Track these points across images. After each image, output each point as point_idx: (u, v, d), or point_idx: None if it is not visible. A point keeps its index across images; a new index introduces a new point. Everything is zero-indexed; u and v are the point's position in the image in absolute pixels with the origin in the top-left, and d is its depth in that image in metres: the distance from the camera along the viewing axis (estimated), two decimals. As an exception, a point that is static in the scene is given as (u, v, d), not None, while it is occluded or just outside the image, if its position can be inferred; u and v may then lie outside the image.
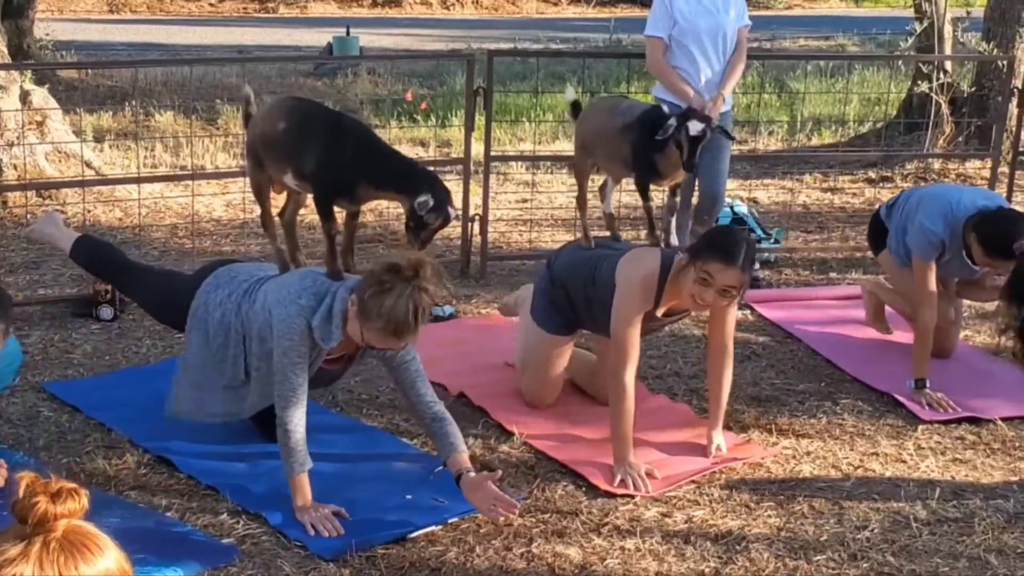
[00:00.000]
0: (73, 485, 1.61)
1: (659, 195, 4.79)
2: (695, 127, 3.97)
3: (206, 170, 7.46)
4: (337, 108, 5.31)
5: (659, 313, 3.95)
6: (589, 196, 4.73)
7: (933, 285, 4.56)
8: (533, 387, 4.36)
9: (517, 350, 4.51)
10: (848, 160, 8.40)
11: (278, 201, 4.25)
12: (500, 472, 3.52)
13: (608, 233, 4.60)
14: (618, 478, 3.77)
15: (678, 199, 4.39)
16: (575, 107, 4.78)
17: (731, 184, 7.81)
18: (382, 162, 3.75)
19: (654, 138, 4.09)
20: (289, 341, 3.45)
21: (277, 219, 4.21)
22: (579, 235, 4.56)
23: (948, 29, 8.58)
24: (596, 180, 4.93)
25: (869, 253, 5.58)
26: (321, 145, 3.74)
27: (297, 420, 3.45)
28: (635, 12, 20.68)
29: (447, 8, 20.81)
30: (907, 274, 4.76)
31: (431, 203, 3.62)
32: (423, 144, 8.82)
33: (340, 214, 3.88)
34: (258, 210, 4.20)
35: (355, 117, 4.09)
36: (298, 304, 3.47)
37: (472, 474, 3.48)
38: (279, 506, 3.50)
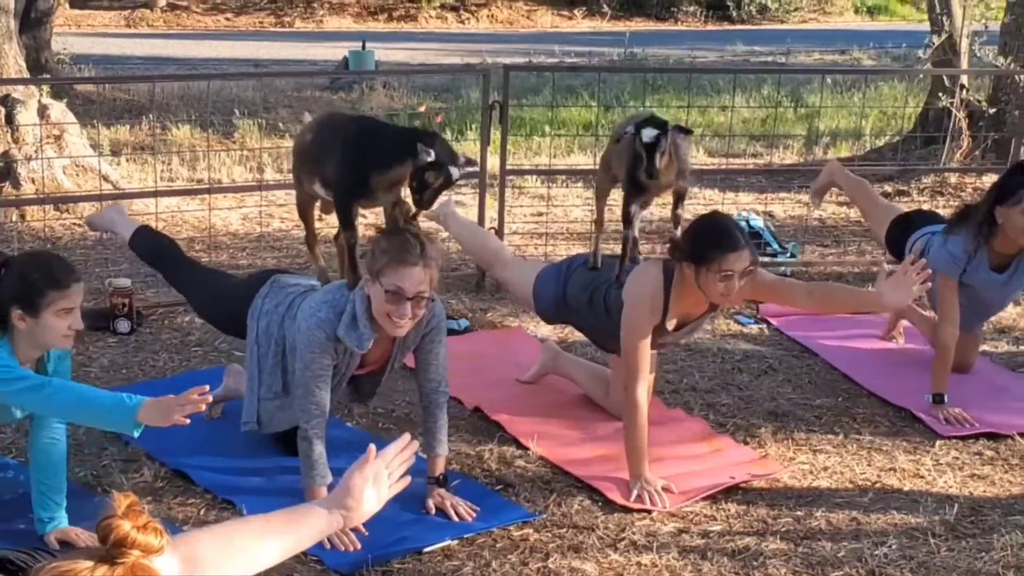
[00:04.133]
0: (161, 527, 1.64)
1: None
2: (648, 134, 3.90)
3: (223, 184, 7.49)
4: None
5: (669, 326, 3.94)
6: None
7: (956, 302, 4.54)
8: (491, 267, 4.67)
9: (465, 238, 4.76)
10: (864, 174, 8.30)
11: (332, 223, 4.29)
12: (444, 489, 3.68)
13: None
14: (634, 493, 3.76)
15: (680, 212, 4.36)
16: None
17: (747, 198, 7.82)
18: (381, 142, 3.73)
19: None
20: (311, 354, 3.47)
21: (333, 241, 4.26)
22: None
23: (965, 43, 8.55)
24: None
25: (887, 266, 5.54)
26: (338, 149, 3.78)
27: (320, 433, 3.47)
28: (650, 26, 20.71)
29: (462, 22, 20.85)
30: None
31: (431, 155, 3.55)
32: (438, 158, 8.81)
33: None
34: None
35: (370, 116, 4.11)
36: (317, 317, 3.48)
37: (428, 485, 3.67)
38: (295, 520, 3.50)
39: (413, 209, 3.69)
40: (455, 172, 3.63)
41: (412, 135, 3.77)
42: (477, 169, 4.58)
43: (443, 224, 4.82)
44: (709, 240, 3.75)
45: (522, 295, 4.52)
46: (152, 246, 4.41)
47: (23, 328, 3.20)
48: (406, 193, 3.78)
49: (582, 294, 4.19)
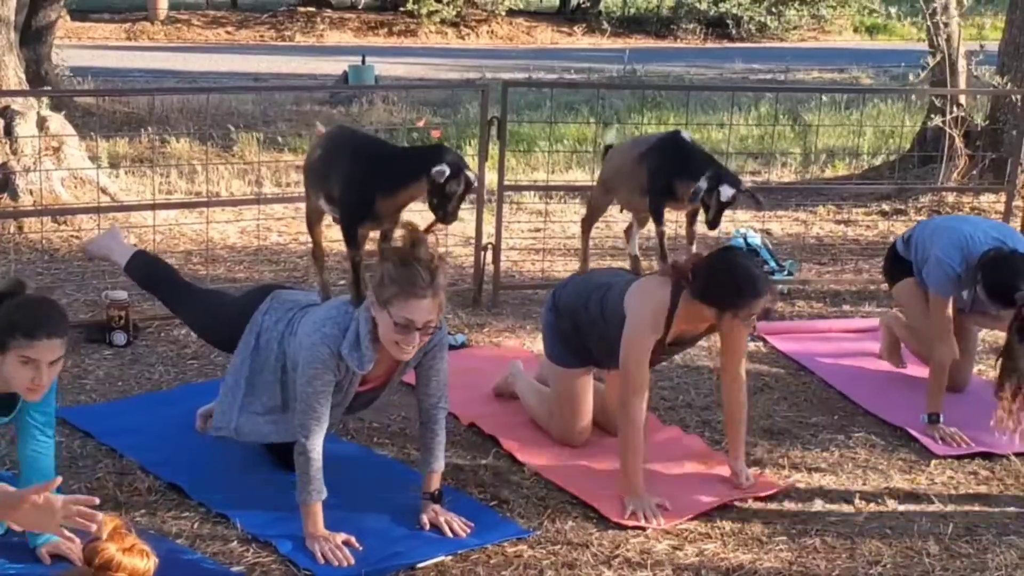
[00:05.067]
0: (148, 548, 1.63)
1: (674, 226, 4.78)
2: (726, 193, 3.89)
3: (220, 197, 7.50)
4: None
5: (667, 341, 3.94)
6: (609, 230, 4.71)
7: (950, 320, 4.54)
8: (564, 427, 4.29)
9: (532, 406, 4.47)
10: (862, 192, 8.39)
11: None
12: (439, 504, 3.68)
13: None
14: (629, 510, 3.76)
15: (695, 228, 4.36)
16: (608, 150, 4.74)
17: (744, 216, 7.83)
18: (388, 166, 3.71)
19: (673, 161, 4.07)
20: (313, 369, 3.47)
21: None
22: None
23: (962, 63, 8.58)
24: (623, 221, 4.90)
25: (884, 286, 5.57)
26: (342, 169, 3.78)
27: (319, 448, 3.47)
28: (649, 43, 20.76)
29: (462, 38, 20.90)
30: (925, 306, 4.77)
31: (447, 171, 3.52)
32: (437, 173, 8.82)
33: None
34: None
35: (376, 136, 4.04)
36: (321, 332, 3.49)
37: (423, 501, 3.69)
38: (289, 534, 3.50)
39: (424, 225, 3.64)
40: (472, 176, 3.60)
41: (419, 155, 3.74)
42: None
43: (513, 383, 4.65)
44: (735, 289, 3.72)
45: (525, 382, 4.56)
46: (148, 270, 4.39)
47: None
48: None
49: (576, 302, 4.19)
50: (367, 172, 3.71)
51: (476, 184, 3.63)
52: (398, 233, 3.59)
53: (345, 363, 3.49)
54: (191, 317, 4.32)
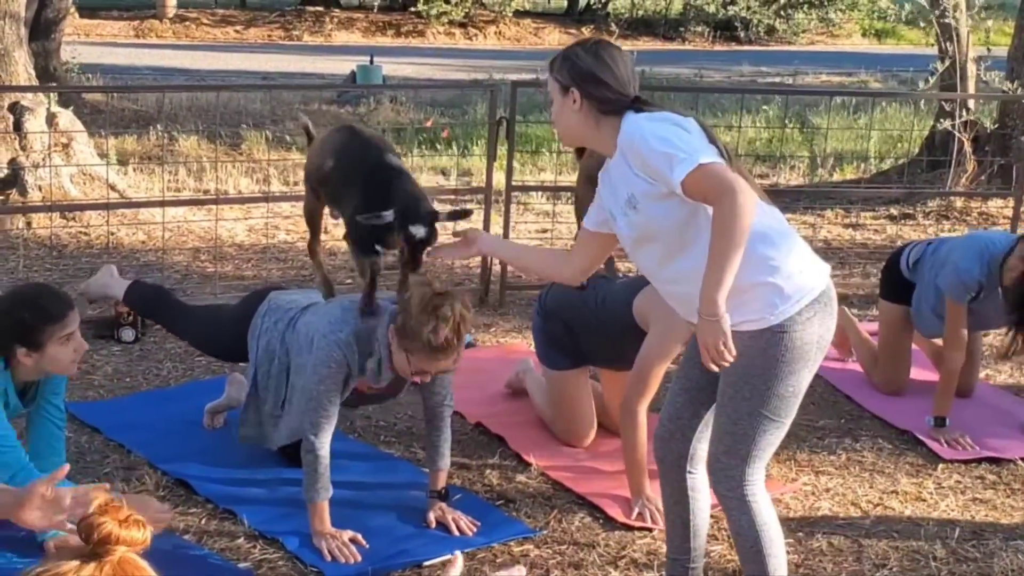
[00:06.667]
0: (141, 518, 1.64)
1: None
2: (419, 231, 3.40)
3: (229, 195, 7.50)
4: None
5: None
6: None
7: (964, 326, 4.53)
8: (567, 428, 4.30)
9: (538, 403, 4.49)
10: (870, 196, 8.38)
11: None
12: (446, 503, 3.69)
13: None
14: (635, 511, 3.76)
15: None
16: (580, 150, 4.70)
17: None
18: (382, 194, 3.59)
19: None
20: (326, 369, 3.47)
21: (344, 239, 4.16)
22: None
23: (971, 68, 8.57)
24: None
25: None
26: (352, 195, 3.62)
27: (327, 446, 3.48)
28: (657, 45, 20.76)
29: (470, 39, 20.91)
30: (899, 337, 4.88)
31: (390, 217, 3.38)
32: (444, 173, 8.85)
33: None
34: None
35: (391, 156, 3.75)
36: (336, 336, 3.49)
37: (429, 499, 3.70)
38: (296, 531, 3.51)
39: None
40: (421, 231, 3.38)
41: (387, 187, 3.50)
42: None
43: (524, 379, 4.67)
44: None
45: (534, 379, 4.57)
46: (146, 298, 4.44)
47: (30, 364, 3.22)
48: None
49: (567, 303, 4.17)
50: (370, 206, 3.48)
51: (427, 239, 3.36)
52: (416, 283, 3.42)
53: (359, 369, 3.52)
54: (192, 333, 4.30)
